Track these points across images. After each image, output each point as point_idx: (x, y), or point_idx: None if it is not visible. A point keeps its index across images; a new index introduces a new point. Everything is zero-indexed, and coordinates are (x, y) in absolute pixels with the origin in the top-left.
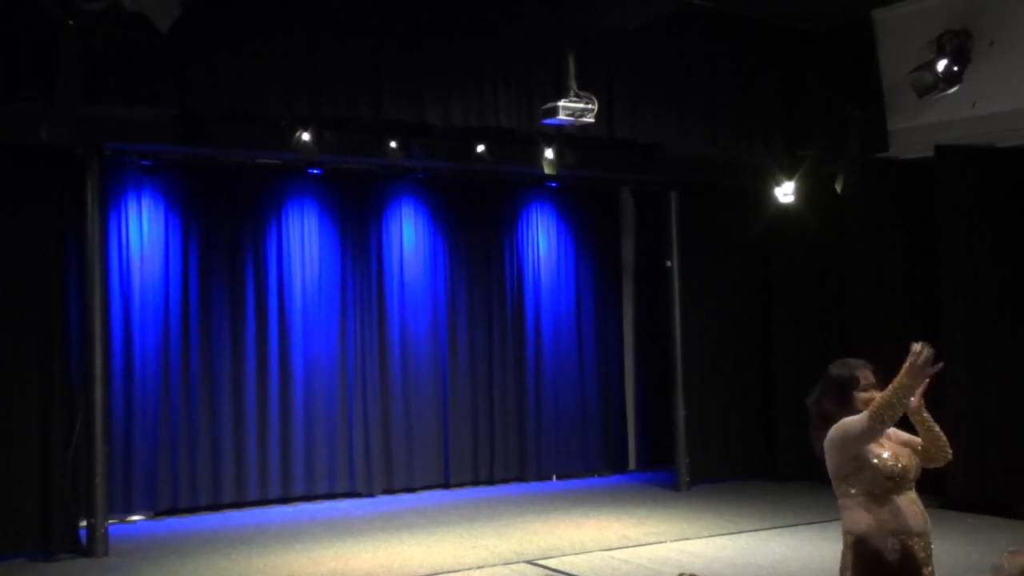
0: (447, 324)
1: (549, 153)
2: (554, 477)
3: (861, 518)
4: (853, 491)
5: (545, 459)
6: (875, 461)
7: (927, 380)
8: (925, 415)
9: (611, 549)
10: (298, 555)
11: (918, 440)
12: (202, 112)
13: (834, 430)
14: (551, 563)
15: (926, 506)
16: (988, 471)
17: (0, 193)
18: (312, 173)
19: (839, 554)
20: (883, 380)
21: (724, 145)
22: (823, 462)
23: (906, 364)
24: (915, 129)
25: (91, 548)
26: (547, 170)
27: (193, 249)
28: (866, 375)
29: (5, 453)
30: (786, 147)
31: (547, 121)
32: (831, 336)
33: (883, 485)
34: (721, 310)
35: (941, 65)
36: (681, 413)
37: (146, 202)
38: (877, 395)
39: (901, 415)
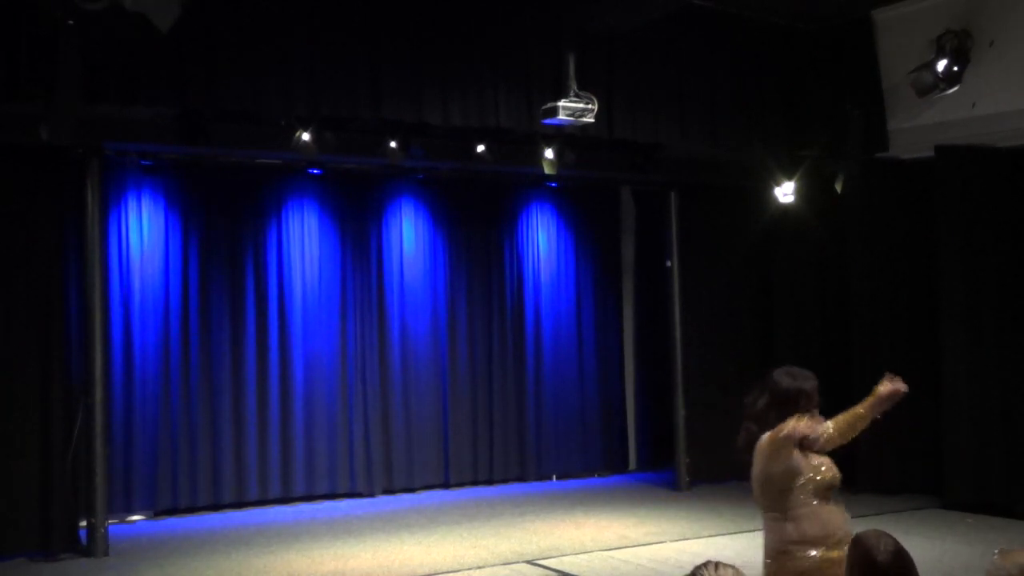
0: (447, 324)
1: (549, 153)
2: (554, 477)
3: (798, 528)
4: (801, 498)
5: (545, 459)
6: (811, 473)
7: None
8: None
9: (611, 549)
10: (298, 555)
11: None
12: (202, 112)
13: (771, 437)
14: (551, 563)
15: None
16: (988, 471)
17: (0, 193)
18: (312, 173)
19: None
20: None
21: (724, 145)
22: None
23: (872, 398)
24: (915, 129)
25: (91, 548)
26: (547, 170)
27: (193, 249)
28: (814, 395)
29: (5, 453)
30: (786, 147)
31: (547, 121)
32: (831, 336)
33: (821, 494)
34: (721, 310)
35: (941, 65)
36: (681, 413)
37: (146, 202)
38: (814, 417)
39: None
